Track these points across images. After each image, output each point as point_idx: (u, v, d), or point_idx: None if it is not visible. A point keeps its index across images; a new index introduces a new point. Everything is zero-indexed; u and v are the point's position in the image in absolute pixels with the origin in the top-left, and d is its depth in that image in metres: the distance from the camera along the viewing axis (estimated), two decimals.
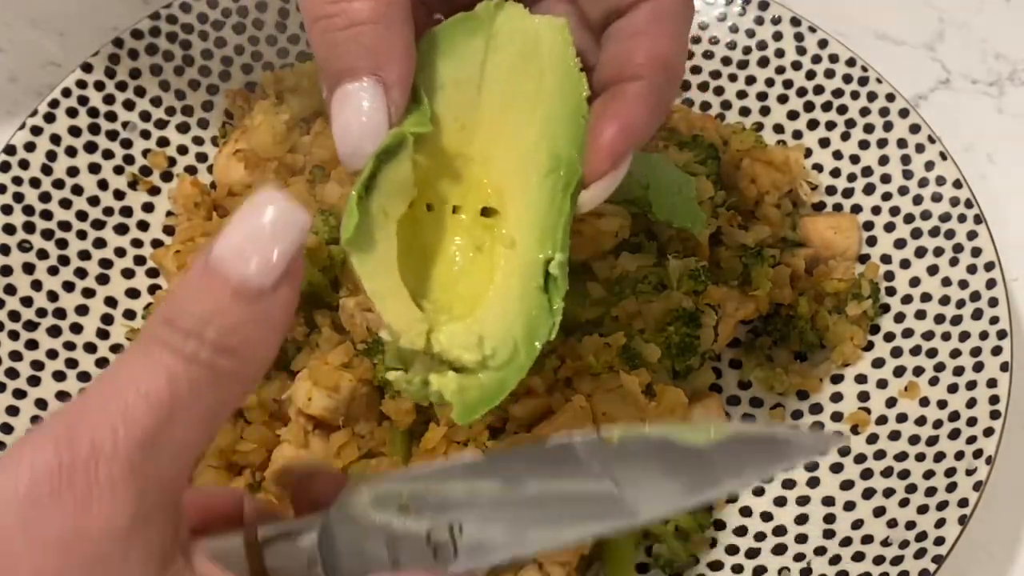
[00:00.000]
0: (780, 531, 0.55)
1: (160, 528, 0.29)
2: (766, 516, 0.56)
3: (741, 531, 0.55)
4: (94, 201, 0.62)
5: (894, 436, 0.56)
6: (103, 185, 0.63)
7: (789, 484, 0.56)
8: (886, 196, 0.63)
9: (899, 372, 0.58)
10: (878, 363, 0.59)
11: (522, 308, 0.38)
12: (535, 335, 0.38)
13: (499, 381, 0.37)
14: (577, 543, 0.35)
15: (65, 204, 0.62)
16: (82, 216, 0.62)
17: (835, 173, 0.65)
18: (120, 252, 0.62)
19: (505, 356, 0.37)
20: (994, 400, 0.54)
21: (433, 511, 0.35)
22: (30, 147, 0.61)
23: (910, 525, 0.52)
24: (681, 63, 0.42)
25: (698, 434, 0.35)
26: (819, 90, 0.66)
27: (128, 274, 0.62)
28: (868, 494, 0.55)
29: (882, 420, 0.57)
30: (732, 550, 0.55)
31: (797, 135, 0.67)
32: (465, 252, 0.39)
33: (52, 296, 0.59)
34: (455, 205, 0.40)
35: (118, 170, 0.64)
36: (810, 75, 0.67)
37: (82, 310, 0.60)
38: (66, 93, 0.63)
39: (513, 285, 0.38)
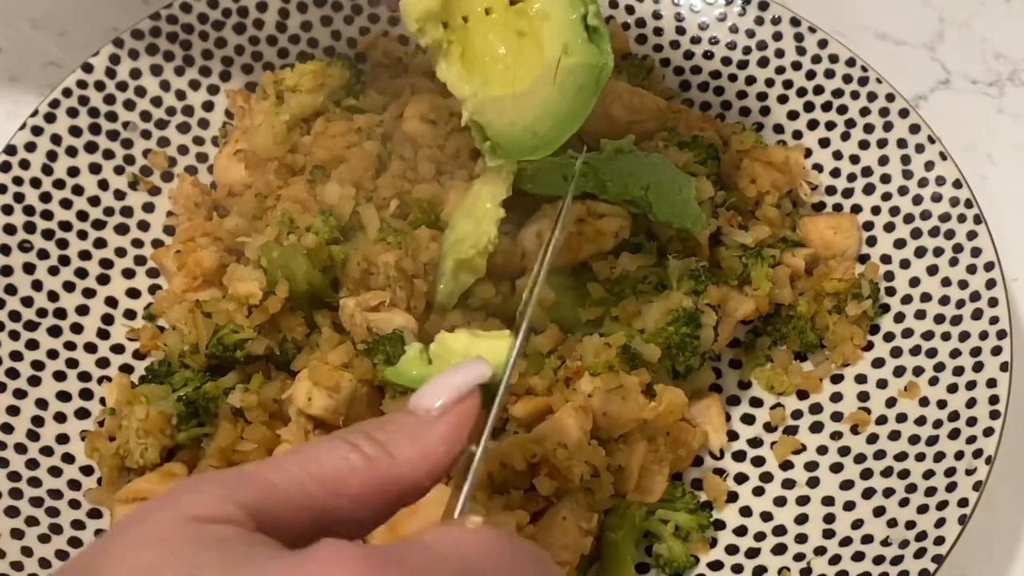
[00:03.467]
0: (780, 531, 0.55)
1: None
2: (766, 516, 0.56)
3: (741, 531, 0.55)
4: (95, 201, 0.63)
5: (894, 436, 0.56)
6: (104, 185, 0.63)
7: (789, 484, 0.56)
8: (886, 196, 0.63)
9: (899, 372, 0.58)
10: (878, 363, 0.59)
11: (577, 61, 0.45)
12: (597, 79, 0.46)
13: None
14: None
15: (66, 204, 0.62)
16: (83, 216, 0.62)
17: (835, 173, 0.65)
18: (120, 252, 0.62)
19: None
20: (994, 400, 0.54)
21: None
22: (31, 147, 0.61)
23: (910, 525, 0.52)
24: None
25: None
26: (819, 90, 0.66)
27: (128, 274, 0.62)
28: (868, 494, 0.55)
29: (882, 420, 0.57)
30: (732, 550, 0.55)
31: (797, 135, 0.67)
32: (511, 41, 0.46)
33: (52, 296, 0.59)
34: (486, 8, 0.46)
35: (119, 170, 0.64)
36: (810, 75, 0.67)
37: (82, 310, 0.60)
38: (67, 93, 0.63)
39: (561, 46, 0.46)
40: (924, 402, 0.57)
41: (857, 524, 0.54)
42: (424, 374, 0.47)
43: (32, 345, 0.58)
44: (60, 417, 0.56)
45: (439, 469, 0.36)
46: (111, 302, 0.61)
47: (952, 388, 0.56)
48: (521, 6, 0.46)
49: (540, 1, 0.46)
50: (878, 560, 0.52)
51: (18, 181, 0.61)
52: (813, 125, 0.66)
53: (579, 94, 0.46)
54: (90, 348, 0.59)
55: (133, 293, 0.62)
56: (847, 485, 0.55)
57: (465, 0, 0.47)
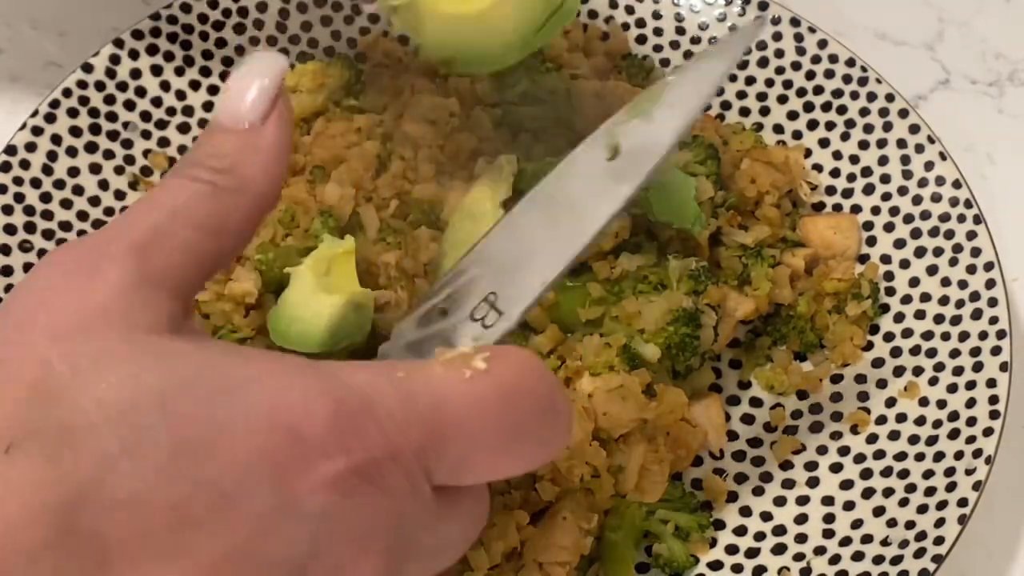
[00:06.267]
0: (780, 531, 0.55)
1: (165, 306, 0.32)
2: (766, 516, 0.56)
3: (741, 531, 0.55)
4: (95, 201, 0.63)
5: (893, 436, 0.56)
6: (104, 185, 0.63)
7: (788, 484, 0.56)
8: (886, 196, 0.63)
9: (898, 372, 0.58)
10: (878, 363, 0.59)
11: None
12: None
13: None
14: (599, 235, 0.40)
15: (66, 204, 0.62)
16: (83, 216, 0.62)
17: (835, 173, 0.65)
18: None
19: None
20: (993, 400, 0.54)
21: (465, 298, 0.39)
22: (31, 147, 0.61)
23: (909, 525, 0.52)
24: None
25: (652, 98, 0.42)
26: (819, 90, 0.66)
27: None
28: (868, 494, 0.55)
29: (881, 420, 0.57)
30: (732, 550, 0.55)
31: (797, 135, 0.67)
32: None
33: None
34: None
35: (119, 170, 0.64)
36: (810, 75, 0.67)
37: None
38: (67, 93, 0.63)
39: None
40: (924, 402, 0.57)
41: (857, 524, 0.54)
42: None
43: None
44: None
45: (279, 179, 0.36)
46: None
47: (952, 388, 0.56)
48: None
49: None
50: (878, 560, 0.52)
51: (18, 181, 0.61)
52: (813, 125, 0.66)
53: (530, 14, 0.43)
54: None
55: None
56: (847, 485, 0.55)
57: None
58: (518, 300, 0.39)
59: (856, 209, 0.64)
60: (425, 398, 0.32)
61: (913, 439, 0.56)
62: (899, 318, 0.60)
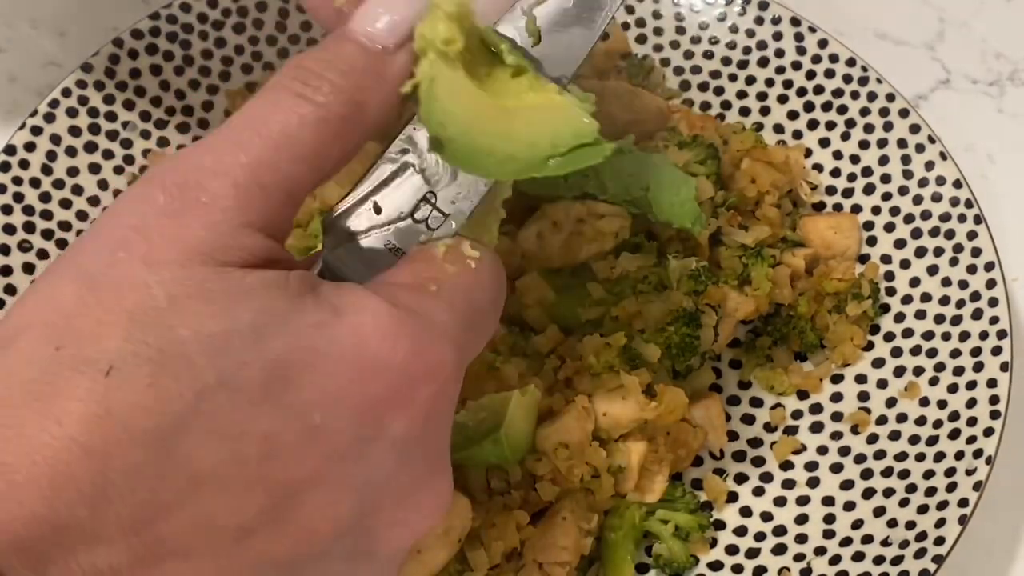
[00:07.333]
0: (780, 531, 0.55)
1: (258, 245, 0.32)
2: (766, 516, 0.56)
3: (741, 531, 0.55)
4: (94, 201, 0.63)
5: (894, 436, 0.56)
6: (103, 185, 0.63)
7: (789, 484, 0.56)
8: (886, 196, 0.63)
9: (899, 372, 0.58)
10: (878, 363, 0.59)
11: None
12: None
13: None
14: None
15: (65, 204, 0.62)
16: (82, 216, 0.62)
17: (835, 173, 0.65)
18: None
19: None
20: (994, 400, 0.54)
21: (400, 196, 0.38)
22: (30, 147, 0.61)
23: (910, 525, 0.52)
24: None
25: None
26: (819, 90, 0.66)
27: None
28: (868, 494, 0.55)
29: (882, 420, 0.57)
30: (732, 550, 0.55)
31: (797, 135, 0.67)
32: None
33: None
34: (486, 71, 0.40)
35: (118, 170, 0.64)
36: (810, 75, 0.67)
37: None
38: (66, 93, 0.63)
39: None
40: (924, 402, 0.57)
41: (857, 524, 0.54)
42: None
43: None
44: None
45: (392, 116, 0.35)
46: None
47: (952, 388, 0.56)
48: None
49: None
50: (878, 560, 0.52)
51: (17, 181, 0.61)
52: (813, 125, 0.66)
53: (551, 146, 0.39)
54: None
55: None
56: (847, 485, 0.55)
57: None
58: (460, 203, 0.38)
59: (856, 209, 0.64)
60: (459, 301, 0.34)
61: (914, 439, 0.56)
62: (899, 318, 0.60)
